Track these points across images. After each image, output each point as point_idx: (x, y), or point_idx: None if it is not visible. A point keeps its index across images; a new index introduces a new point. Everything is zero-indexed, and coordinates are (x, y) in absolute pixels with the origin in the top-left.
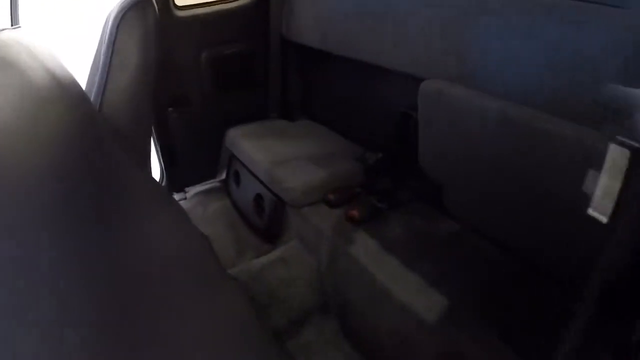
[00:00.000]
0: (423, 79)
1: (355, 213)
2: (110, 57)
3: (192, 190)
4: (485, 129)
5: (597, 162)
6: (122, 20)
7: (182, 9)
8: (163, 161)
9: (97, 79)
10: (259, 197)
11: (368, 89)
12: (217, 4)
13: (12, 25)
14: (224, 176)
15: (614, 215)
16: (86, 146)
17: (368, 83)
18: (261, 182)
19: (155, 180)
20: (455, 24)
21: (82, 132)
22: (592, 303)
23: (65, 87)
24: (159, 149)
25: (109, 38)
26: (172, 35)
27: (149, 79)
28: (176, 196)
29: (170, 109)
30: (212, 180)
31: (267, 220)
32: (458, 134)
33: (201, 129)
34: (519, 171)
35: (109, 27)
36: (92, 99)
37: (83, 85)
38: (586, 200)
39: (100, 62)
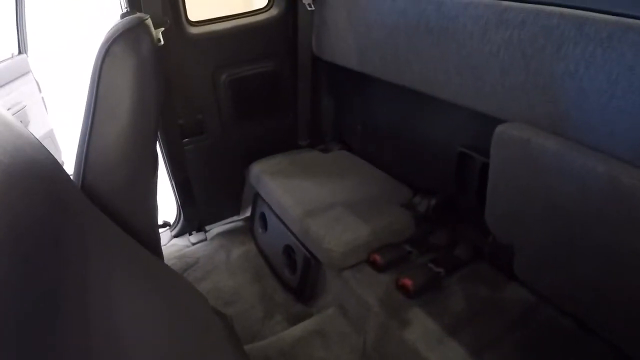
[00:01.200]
0: (493, 117)
1: (408, 282)
2: (94, 107)
3: (213, 231)
4: (586, 195)
5: None
6: (106, 56)
7: (195, 25)
8: (179, 198)
9: (79, 138)
10: (289, 249)
11: (416, 119)
12: (237, 18)
13: (19, 52)
14: (248, 213)
15: None
16: (51, 242)
17: (417, 113)
18: (292, 232)
19: (156, 259)
20: (544, 51)
21: (49, 224)
22: None
23: (23, 165)
24: (174, 185)
25: (91, 82)
26: (185, 55)
27: (149, 120)
28: (195, 236)
29: (185, 140)
30: (235, 219)
31: (299, 278)
32: (546, 196)
33: (221, 161)
34: (626, 249)
35: (93, 67)
36: (74, 165)
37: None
38: None
39: (84, 116)
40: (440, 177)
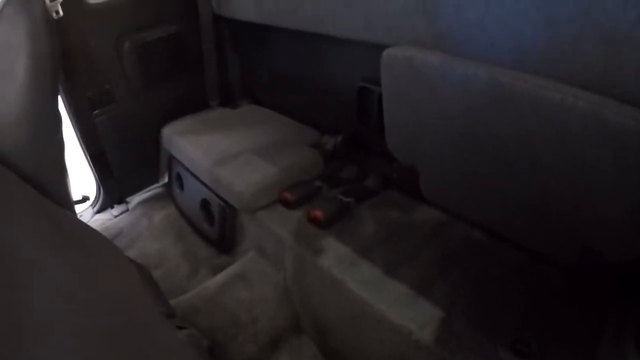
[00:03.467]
0: (384, 45)
1: (318, 214)
2: None
3: (134, 200)
4: (472, 102)
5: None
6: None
7: None
8: (97, 173)
9: None
10: (205, 203)
11: (317, 62)
12: None
13: None
14: (166, 179)
15: None
16: None
17: (317, 56)
18: (206, 185)
19: (63, 210)
20: None
21: None
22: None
23: None
24: (89, 159)
25: None
26: (86, 26)
27: (46, 79)
28: (117, 209)
29: (95, 111)
30: (154, 186)
31: (218, 229)
32: (436, 110)
33: (134, 129)
34: (516, 149)
35: None
36: None
37: None
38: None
39: None
40: (345, 115)
